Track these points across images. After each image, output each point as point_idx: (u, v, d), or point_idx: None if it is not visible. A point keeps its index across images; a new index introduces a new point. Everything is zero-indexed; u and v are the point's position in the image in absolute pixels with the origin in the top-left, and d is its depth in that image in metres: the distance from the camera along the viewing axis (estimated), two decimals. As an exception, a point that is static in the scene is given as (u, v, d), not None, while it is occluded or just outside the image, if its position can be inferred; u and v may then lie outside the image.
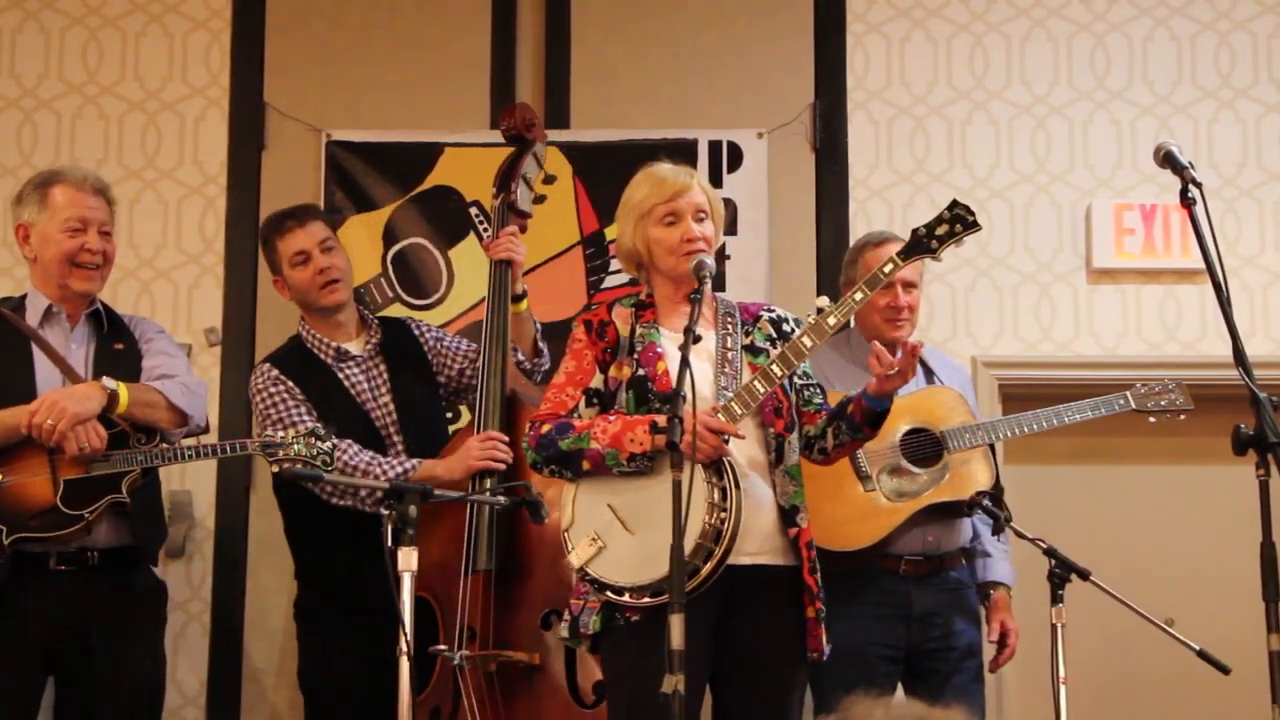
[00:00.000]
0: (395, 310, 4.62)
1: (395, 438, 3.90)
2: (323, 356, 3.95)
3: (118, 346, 3.74)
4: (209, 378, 4.64)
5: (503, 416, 3.79)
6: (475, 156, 4.76)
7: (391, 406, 3.93)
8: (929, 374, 4.01)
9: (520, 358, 3.99)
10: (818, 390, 3.42)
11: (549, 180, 4.18)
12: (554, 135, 4.50)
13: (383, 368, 3.97)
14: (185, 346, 4.53)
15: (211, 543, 4.66)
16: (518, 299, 3.96)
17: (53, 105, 4.87)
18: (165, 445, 3.59)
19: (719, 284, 4.41)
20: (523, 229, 4.05)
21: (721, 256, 4.55)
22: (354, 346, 3.99)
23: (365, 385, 3.94)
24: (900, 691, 3.82)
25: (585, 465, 3.19)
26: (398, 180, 4.77)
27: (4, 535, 3.44)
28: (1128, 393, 3.93)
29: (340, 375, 3.93)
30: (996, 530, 3.76)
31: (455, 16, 4.90)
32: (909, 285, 3.94)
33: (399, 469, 3.73)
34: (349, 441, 3.75)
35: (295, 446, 3.50)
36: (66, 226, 3.68)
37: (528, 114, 4.13)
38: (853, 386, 3.57)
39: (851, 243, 4.69)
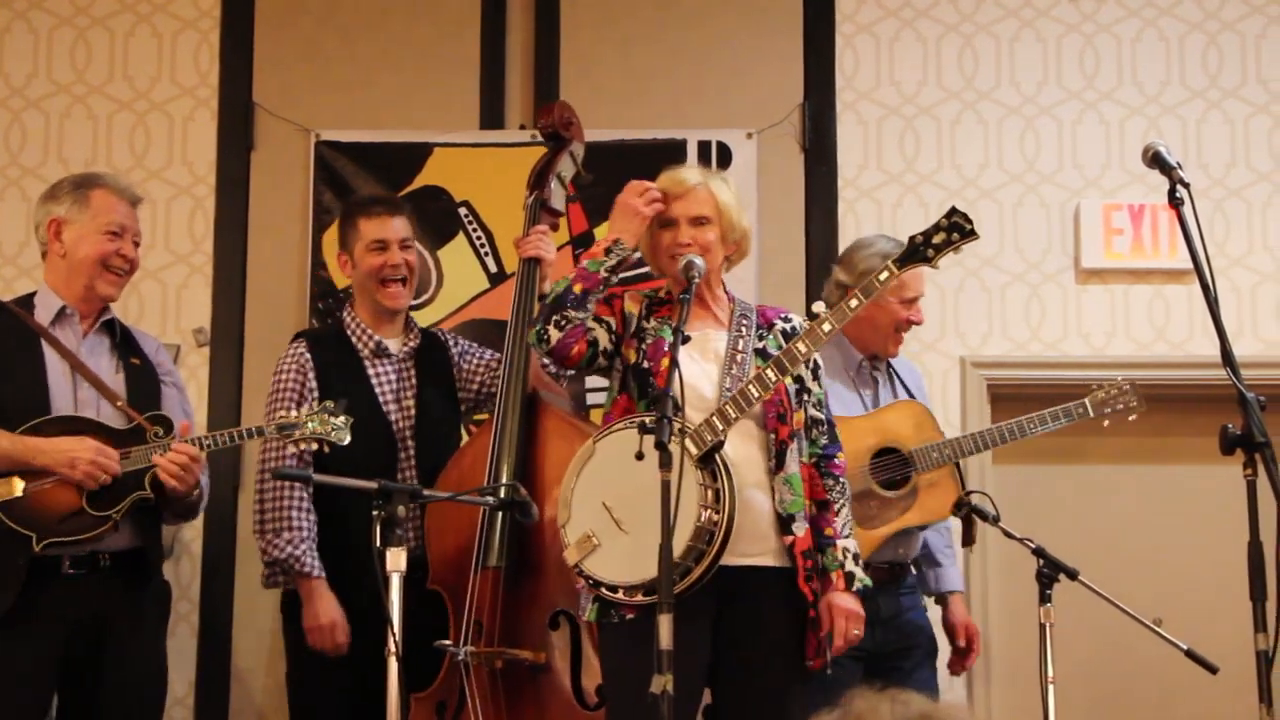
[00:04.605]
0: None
1: (409, 443, 3.91)
2: (360, 348, 3.97)
3: (134, 361, 3.74)
4: (197, 379, 4.65)
5: (522, 417, 3.75)
6: (464, 157, 4.77)
7: (412, 412, 3.94)
8: (893, 383, 4.02)
9: None
10: (825, 431, 3.41)
11: (583, 181, 4.17)
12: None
13: (413, 372, 3.98)
14: (173, 347, 4.53)
15: (200, 543, 4.66)
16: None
17: (41, 105, 4.86)
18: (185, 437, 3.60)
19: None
20: (554, 228, 4.04)
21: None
22: (394, 344, 4.00)
23: (393, 386, 3.95)
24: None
25: (576, 287, 3.31)
26: (387, 180, 4.76)
27: (34, 542, 3.44)
28: (1086, 400, 3.92)
29: (370, 371, 3.95)
30: (967, 542, 3.74)
31: (445, 17, 4.90)
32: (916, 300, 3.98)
33: None
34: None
35: (310, 425, 3.55)
36: (106, 229, 3.69)
37: (566, 112, 4.10)
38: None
39: (841, 242, 4.72)
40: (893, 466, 3.83)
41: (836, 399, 3.86)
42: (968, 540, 3.69)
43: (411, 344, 4.02)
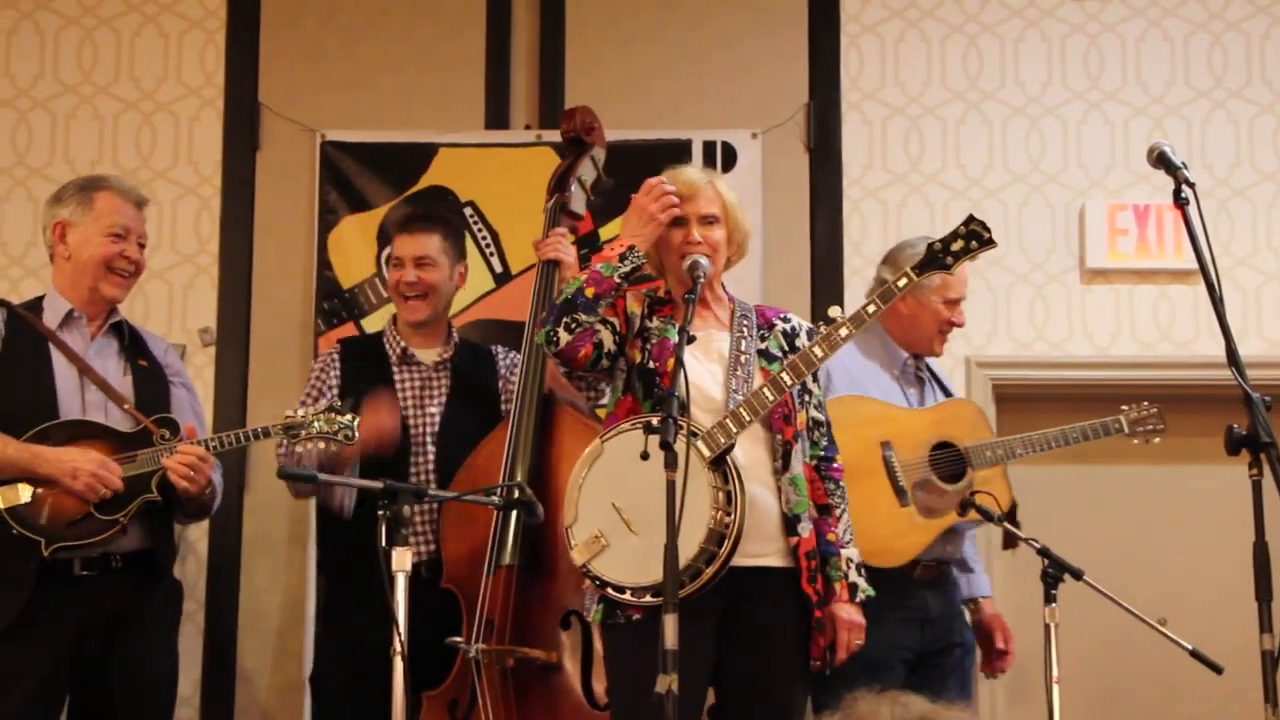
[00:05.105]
0: (387, 310, 4.61)
1: (429, 449, 3.92)
2: (390, 354, 4.02)
3: (142, 363, 3.75)
4: (203, 379, 4.65)
5: (538, 417, 3.76)
6: (469, 157, 4.77)
7: (437, 419, 3.95)
8: (934, 383, 4.06)
9: None
10: (825, 434, 3.43)
11: (604, 186, 4.18)
12: (548, 136, 4.51)
13: (445, 382, 4.01)
14: (180, 347, 4.54)
15: (205, 543, 4.66)
16: None
17: (48, 105, 4.87)
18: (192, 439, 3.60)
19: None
20: (574, 230, 4.07)
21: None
22: (424, 354, 4.03)
23: (417, 392, 3.98)
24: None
25: (589, 290, 3.28)
26: (392, 180, 4.77)
27: (43, 546, 3.45)
28: (1121, 418, 3.98)
29: (396, 377, 3.99)
30: (1009, 542, 3.76)
31: (449, 17, 4.90)
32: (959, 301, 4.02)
33: None
34: None
35: (316, 424, 3.55)
36: (109, 231, 3.71)
37: (588, 118, 4.12)
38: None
39: (845, 242, 4.72)
40: (949, 461, 3.85)
41: (881, 392, 3.90)
42: (1009, 544, 3.71)
43: (446, 356, 4.04)
